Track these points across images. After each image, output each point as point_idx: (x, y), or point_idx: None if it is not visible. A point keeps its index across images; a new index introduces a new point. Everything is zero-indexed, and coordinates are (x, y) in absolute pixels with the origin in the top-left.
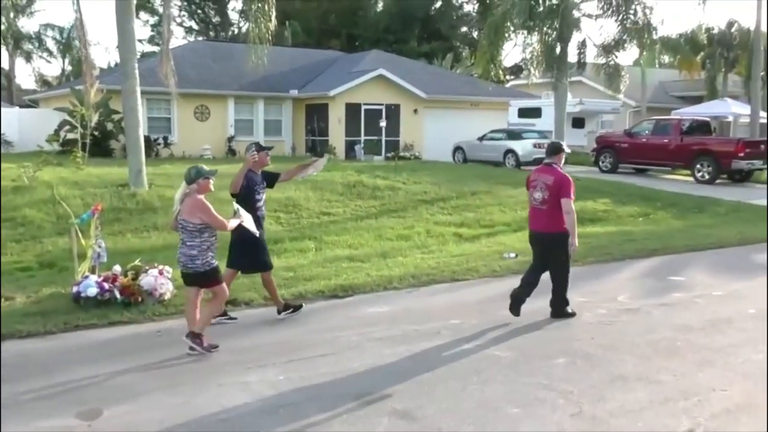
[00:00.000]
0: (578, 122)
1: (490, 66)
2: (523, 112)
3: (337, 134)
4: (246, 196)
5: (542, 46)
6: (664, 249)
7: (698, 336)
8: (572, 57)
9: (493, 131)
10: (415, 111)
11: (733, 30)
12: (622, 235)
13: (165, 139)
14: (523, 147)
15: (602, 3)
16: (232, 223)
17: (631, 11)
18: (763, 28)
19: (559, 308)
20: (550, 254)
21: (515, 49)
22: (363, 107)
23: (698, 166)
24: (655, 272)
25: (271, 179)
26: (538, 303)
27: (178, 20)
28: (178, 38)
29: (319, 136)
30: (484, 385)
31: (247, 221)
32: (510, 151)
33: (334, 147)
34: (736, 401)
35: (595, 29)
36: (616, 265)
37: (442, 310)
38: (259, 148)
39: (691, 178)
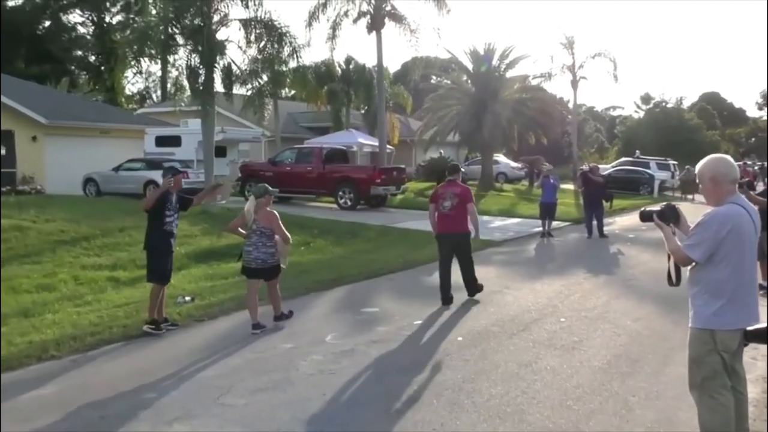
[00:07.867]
0: (220, 151)
1: (120, 95)
2: (162, 141)
3: None
4: (156, 213)
5: (187, 72)
6: (342, 279)
7: (431, 374)
8: (218, 84)
9: (130, 161)
10: (34, 138)
11: (351, 67)
12: (292, 266)
13: None
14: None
15: (246, 30)
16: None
17: (269, 41)
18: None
19: (474, 285)
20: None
21: (141, 76)
22: None
23: (340, 192)
24: (345, 305)
25: (183, 203)
26: (233, 361)
27: None
28: None
29: None
30: None
31: None
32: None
33: None
34: None
35: (238, 56)
36: (303, 300)
37: (129, 382)
38: (175, 172)
39: (335, 205)
